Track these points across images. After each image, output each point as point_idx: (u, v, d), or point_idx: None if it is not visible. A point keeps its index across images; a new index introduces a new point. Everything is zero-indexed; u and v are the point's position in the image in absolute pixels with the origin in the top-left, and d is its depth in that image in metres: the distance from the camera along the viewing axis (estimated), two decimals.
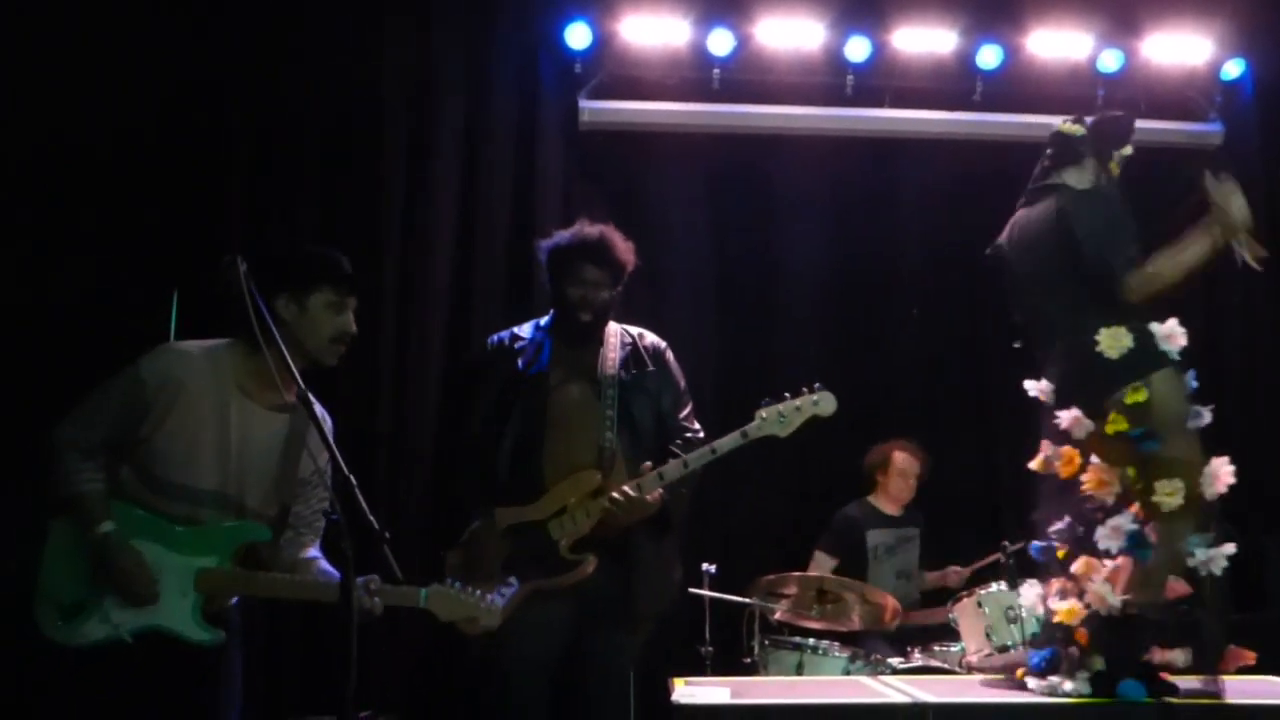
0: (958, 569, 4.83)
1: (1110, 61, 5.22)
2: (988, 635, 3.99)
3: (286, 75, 4.85)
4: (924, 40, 5.15)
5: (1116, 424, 3.02)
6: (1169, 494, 2.97)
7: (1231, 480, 3.05)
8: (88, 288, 4.32)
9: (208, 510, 2.63)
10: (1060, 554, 3.18)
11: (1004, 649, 3.92)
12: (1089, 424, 3.07)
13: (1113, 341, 3.06)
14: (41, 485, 2.59)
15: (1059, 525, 3.19)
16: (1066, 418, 3.10)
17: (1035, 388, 3.30)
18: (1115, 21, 5.23)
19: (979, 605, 4.09)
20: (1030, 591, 3.33)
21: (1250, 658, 3.06)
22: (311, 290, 2.69)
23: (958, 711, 2.85)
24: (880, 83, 5.20)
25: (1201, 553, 2.97)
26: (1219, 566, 2.98)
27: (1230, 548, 3.01)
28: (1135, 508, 3.04)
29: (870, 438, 4.93)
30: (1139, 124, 5.20)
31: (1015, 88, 5.20)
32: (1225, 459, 3.06)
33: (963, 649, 4.14)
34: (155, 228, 4.50)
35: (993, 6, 5.22)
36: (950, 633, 4.26)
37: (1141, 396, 3.02)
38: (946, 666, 4.10)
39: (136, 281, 4.38)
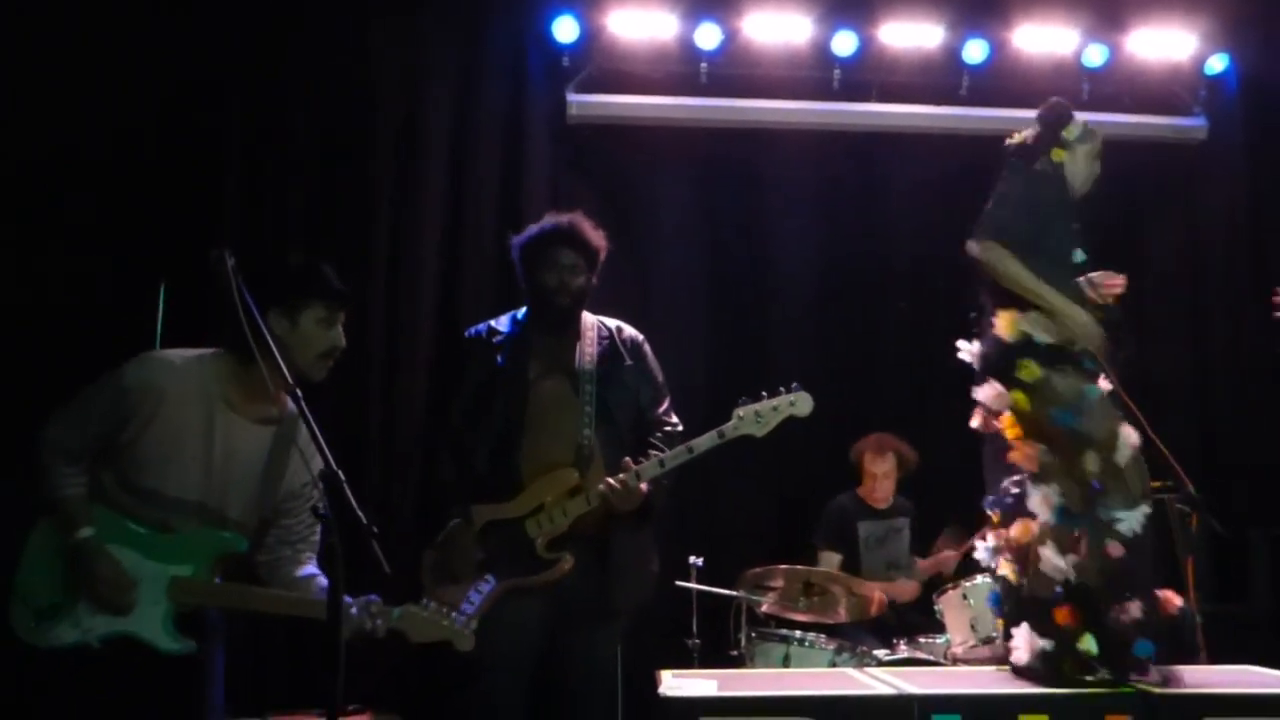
0: (951, 552, 4.84)
1: (1095, 56, 5.25)
2: (972, 627, 4.03)
3: (277, 68, 4.84)
4: (911, 35, 5.17)
5: (1020, 402, 3.19)
6: (1090, 466, 3.13)
7: (1136, 442, 3.20)
8: (77, 281, 4.31)
9: (188, 520, 2.62)
10: (995, 518, 3.34)
11: (988, 640, 3.95)
12: (1006, 396, 3.22)
13: (1007, 326, 3.24)
14: (29, 485, 2.58)
15: (996, 488, 3.36)
16: (983, 392, 3.27)
17: (966, 351, 3.42)
18: (1100, 16, 5.26)
19: (964, 597, 4.12)
20: (983, 546, 3.42)
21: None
22: (303, 306, 2.66)
23: (943, 702, 2.87)
24: (867, 77, 5.22)
25: (1125, 516, 3.11)
26: (1136, 525, 3.12)
27: (1145, 508, 3.15)
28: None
29: (859, 430, 4.95)
30: (1124, 119, 5.33)
31: (1001, 82, 5.22)
32: (1129, 427, 3.19)
33: (948, 641, 4.17)
34: (144, 221, 4.49)
35: (978, 1, 5.24)
36: (936, 624, 4.29)
37: (1031, 374, 3.18)
38: (931, 658, 4.13)
39: (125, 275, 4.36)
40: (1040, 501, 3.15)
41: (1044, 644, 3.06)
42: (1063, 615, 3.06)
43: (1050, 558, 3.09)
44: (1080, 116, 3.47)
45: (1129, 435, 3.19)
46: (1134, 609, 3.04)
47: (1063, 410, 3.17)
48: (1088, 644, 3.02)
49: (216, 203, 4.69)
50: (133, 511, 2.60)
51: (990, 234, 3.28)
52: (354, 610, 2.55)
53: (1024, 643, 3.12)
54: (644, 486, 3.23)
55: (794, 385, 3.30)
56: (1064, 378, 3.20)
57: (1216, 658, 3.86)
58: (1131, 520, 3.12)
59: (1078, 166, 3.40)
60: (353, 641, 2.55)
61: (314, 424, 2.42)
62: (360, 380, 4.64)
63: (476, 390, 3.38)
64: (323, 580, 2.72)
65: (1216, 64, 5.35)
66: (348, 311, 2.75)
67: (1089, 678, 3.02)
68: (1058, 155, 3.40)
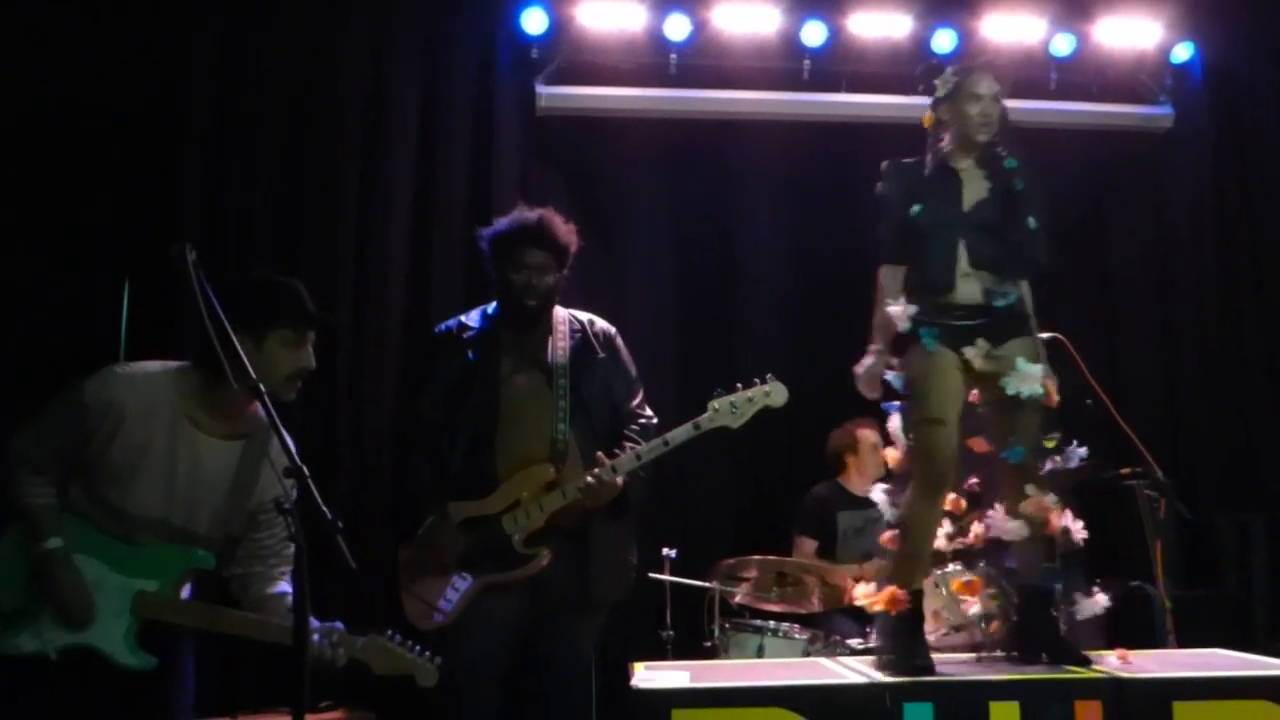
0: None
1: (1063, 45, 5.28)
2: (945, 615, 4.03)
3: (240, 61, 4.79)
4: (880, 25, 5.17)
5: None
6: (892, 457, 3.27)
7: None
8: (40, 280, 4.24)
9: (150, 536, 2.59)
10: None
11: (959, 628, 3.96)
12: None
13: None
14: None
15: None
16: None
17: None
18: (1067, 6, 5.29)
19: (936, 585, 4.13)
20: None
21: None
22: (269, 329, 2.59)
23: (915, 690, 2.88)
24: (836, 67, 5.21)
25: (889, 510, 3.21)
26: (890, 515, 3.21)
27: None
28: None
29: (831, 420, 4.95)
30: (1091, 108, 5.37)
31: None
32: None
33: None
34: (107, 213, 4.44)
35: None
36: None
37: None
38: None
39: (90, 273, 4.31)
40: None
41: None
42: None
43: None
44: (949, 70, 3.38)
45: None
46: None
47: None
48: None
49: (180, 198, 4.63)
50: (100, 524, 2.57)
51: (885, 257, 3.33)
52: (316, 637, 2.51)
53: None
54: (619, 479, 3.22)
55: (768, 376, 3.31)
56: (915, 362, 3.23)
57: (1185, 641, 3.90)
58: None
59: (965, 111, 3.29)
60: (320, 669, 2.50)
61: (279, 422, 2.39)
62: (328, 378, 4.59)
63: (448, 387, 3.36)
64: (291, 601, 2.68)
65: (1182, 53, 5.39)
66: (317, 331, 2.68)
67: None
68: (945, 113, 3.34)
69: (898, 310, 3.22)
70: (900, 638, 3.13)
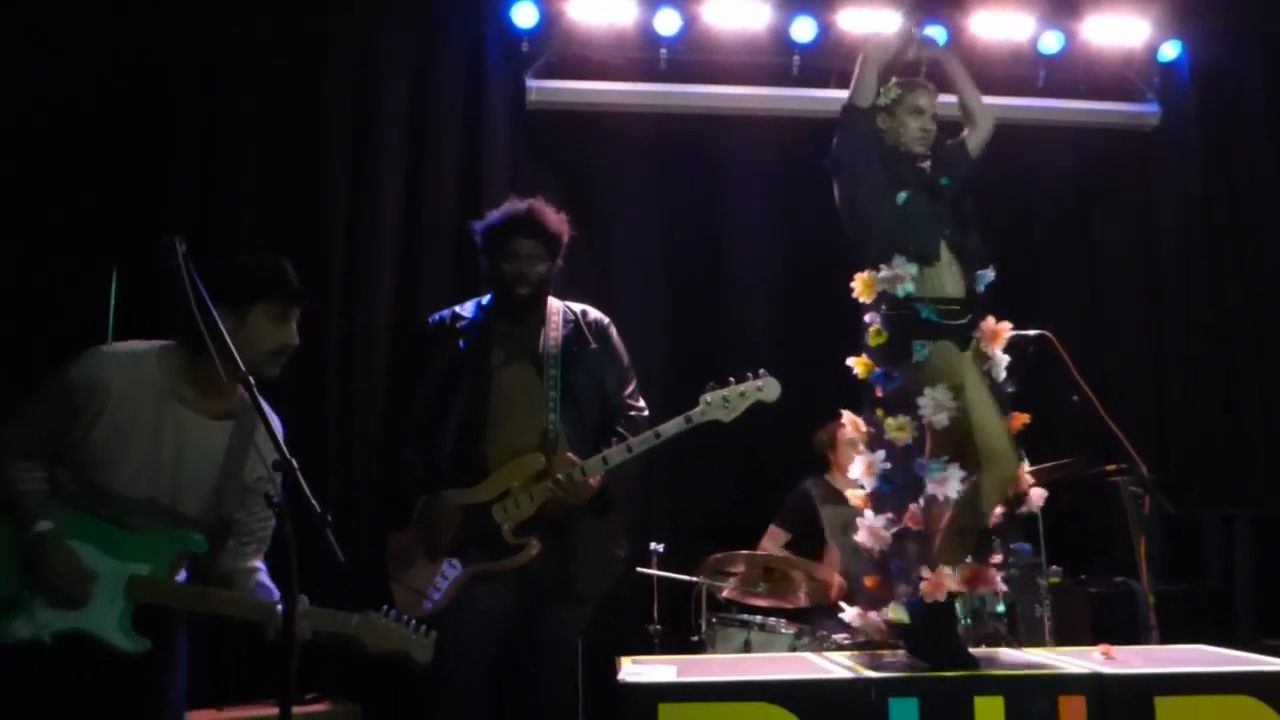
0: None
1: (1051, 43, 5.30)
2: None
3: (231, 52, 4.77)
4: (869, 21, 5.18)
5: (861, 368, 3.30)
6: (897, 429, 3.15)
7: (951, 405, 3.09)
8: (28, 270, 4.22)
9: (139, 517, 2.59)
10: None
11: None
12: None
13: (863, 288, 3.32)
14: None
15: None
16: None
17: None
18: (1056, 3, 5.31)
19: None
20: None
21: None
22: (252, 303, 2.59)
23: (901, 685, 2.89)
24: (826, 63, 5.21)
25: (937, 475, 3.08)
26: (951, 490, 3.06)
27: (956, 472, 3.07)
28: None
29: (821, 415, 4.96)
30: (1079, 105, 5.39)
31: None
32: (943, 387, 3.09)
33: None
34: (96, 206, 4.42)
35: None
36: None
37: (878, 339, 3.23)
38: (891, 641, 4.15)
39: (77, 261, 4.29)
40: (864, 469, 3.22)
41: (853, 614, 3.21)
42: (871, 583, 3.19)
43: (864, 524, 3.20)
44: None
45: (939, 395, 3.08)
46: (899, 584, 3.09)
47: (879, 372, 3.24)
48: (897, 614, 3.10)
49: (168, 190, 4.62)
50: (90, 508, 2.57)
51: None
52: (279, 608, 2.49)
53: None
54: (593, 481, 3.22)
55: (761, 371, 3.31)
56: (893, 337, 3.18)
57: (1168, 637, 3.93)
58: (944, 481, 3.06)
59: (904, 124, 3.40)
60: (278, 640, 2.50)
61: (267, 410, 2.39)
62: (318, 371, 4.59)
63: (440, 377, 3.37)
64: (263, 576, 2.70)
65: (1169, 50, 5.42)
66: (302, 309, 2.69)
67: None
68: (884, 122, 3.42)
69: (896, 273, 3.20)
70: (940, 626, 3.09)
